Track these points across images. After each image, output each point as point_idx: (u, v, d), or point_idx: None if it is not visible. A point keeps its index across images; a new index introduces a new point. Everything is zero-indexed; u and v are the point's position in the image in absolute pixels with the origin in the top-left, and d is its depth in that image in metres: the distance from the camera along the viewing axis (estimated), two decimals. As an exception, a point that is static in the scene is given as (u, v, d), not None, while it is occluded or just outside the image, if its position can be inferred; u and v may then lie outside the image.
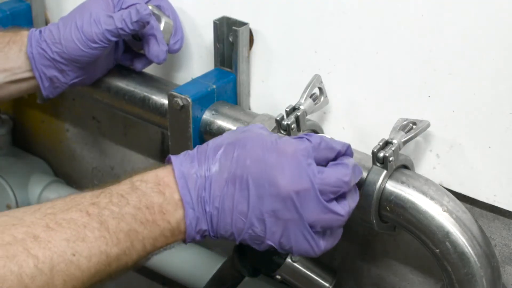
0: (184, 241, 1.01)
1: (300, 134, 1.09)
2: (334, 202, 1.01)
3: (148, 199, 0.97)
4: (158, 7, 1.32)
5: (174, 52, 1.32)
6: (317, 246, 1.03)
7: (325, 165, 1.02)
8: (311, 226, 1.00)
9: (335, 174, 1.00)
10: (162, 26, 1.29)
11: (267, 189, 0.97)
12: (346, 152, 1.04)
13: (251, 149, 0.99)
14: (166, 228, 0.98)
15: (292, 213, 0.98)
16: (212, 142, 1.02)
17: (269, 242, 1.01)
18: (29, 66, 1.30)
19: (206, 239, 1.02)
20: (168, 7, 1.33)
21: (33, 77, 1.30)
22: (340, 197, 1.02)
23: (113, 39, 1.25)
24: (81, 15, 1.26)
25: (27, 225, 0.91)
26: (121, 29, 1.24)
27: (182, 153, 1.02)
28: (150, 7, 1.28)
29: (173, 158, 1.01)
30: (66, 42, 1.26)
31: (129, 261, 0.96)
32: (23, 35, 1.30)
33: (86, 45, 1.25)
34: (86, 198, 0.97)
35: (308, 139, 1.01)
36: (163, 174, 0.99)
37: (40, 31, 1.30)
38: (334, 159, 1.03)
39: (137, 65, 1.36)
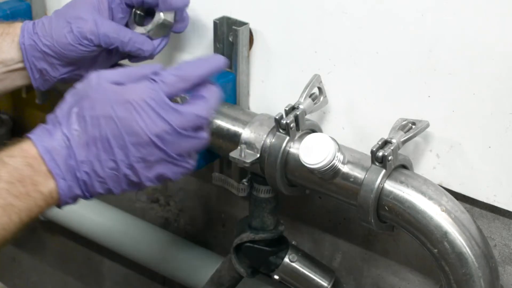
0: (59, 206, 1.04)
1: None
2: (198, 131, 1.04)
3: (19, 173, 0.99)
4: None
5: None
6: (190, 165, 1.06)
7: (188, 95, 1.05)
8: (180, 155, 1.03)
9: (193, 111, 1.02)
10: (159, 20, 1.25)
11: (128, 140, 1.00)
12: (207, 78, 1.05)
13: (100, 109, 1.00)
14: (39, 198, 1.00)
15: (158, 153, 1.02)
16: (60, 110, 1.03)
17: (148, 183, 1.04)
18: (21, 57, 1.29)
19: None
20: None
21: (25, 68, 1.30)
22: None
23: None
24: (72, 9, 1.25)
25: None
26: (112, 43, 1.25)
27: (39, 129, 1.03)
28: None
29: (30, 135, 1.02)
30: (56, 36, 1.26)
31: (8, 235, 0.99)
32: (17, 27, 1.30)
33: (75, 41, 1.25)
34: None
35: (154, 80, 1.02)
36: (27, 146, 1.01)
37: (34, 23, 1.29)
38: (198, 86, 1.05)
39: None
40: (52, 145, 1.00)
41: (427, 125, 1.13)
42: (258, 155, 1.18)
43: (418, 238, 1.08)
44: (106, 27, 1.24)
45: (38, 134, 1.02)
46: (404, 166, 1.13)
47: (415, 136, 1.12)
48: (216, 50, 1.30)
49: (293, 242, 1.32)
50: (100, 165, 1.01)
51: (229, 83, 1.29)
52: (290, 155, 1.17)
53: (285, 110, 1.16)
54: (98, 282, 1.86)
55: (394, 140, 1.09)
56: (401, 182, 1.09)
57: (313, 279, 1.28)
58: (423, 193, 1.08)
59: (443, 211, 1.07)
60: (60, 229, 1.78)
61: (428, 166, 1.17)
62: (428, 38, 1.11)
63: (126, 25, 1.29)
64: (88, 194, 1.03)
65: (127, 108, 1.00)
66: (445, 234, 1.06)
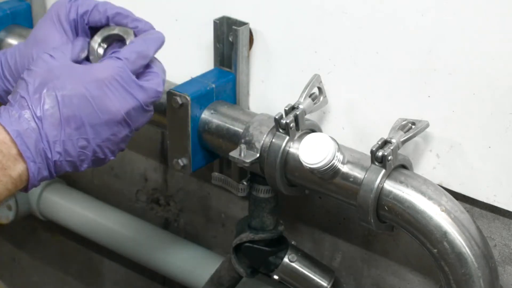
0: (26, 189, 1.05)
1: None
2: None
3: None
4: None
5: None
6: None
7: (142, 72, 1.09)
8: (137, 129, 1.09)
9: (153, 87, 1.07)
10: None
11: (102, 118, 1.03)
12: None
13: (72, 88, 1.02)
14: (8, 182, 1.01)
15: (126, 130, 1.06)
16: (25, 92, 1.03)
17: (111, 158, 1.08)
18: None
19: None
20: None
21: None
22: None
23: None
24: (32, 46, 1.19)
25: None
26: None
27: (4, 112, 1.03)
28: (116, 30, 1.14)
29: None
30: (18, 75, 1.23)
31: None
32: None
33: None
34: None
35: (118, 58, 1.05)
36: None
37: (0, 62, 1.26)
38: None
39: None
40: (22, 128, 1.01)
41: (427, 125, 1.13)
42: (258, 155, 1.18)
43: (417, 238, 1.08)
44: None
45: (5, 117, 1.02)
46: (404, 166, 1.13)
47: (415, 136, 1.12)
48: (216, 50, 1.30)
49: (292, 242, 1.32)
50: (72, 144, 1.03)
51: (229, 83, 1.29)
52: (289, 155, 1.17)
53: (285, 110, 1.16)
54: (98, 282, 1.86)
55: (394, 140, 1.09)
56: (401, 182, 1.09)
57: (313, 279, 1.28)
58: (422, 193, 1.08)
59: (442, 211, 1.07)
60: (60, 229, 1.78)
61: (428, 166, 1.17)
62: (428, 38, 1.11)
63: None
64: (55, 174, 1.05)
65: (100, 86, 1.02)
66: (444, 234, 1.06)
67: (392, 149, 1.08)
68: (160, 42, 1.10)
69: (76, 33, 1.18)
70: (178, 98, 1.23)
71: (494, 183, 1.13)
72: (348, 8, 1.17)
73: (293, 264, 1.28)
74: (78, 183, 1.77)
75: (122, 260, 1.71)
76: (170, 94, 1.23)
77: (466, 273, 1.06)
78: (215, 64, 1.31)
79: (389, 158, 1.08)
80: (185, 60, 1.38)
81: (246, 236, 1.29)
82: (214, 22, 1.28)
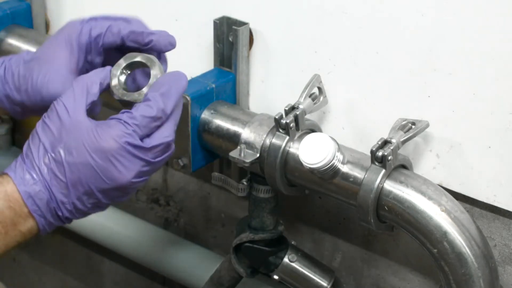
0: (37, 236, 1.06)
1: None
2: (165, 154, 1.06)
3: (0, 215, 1.01)
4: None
5: None
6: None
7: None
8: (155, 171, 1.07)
9: (162, 139, 1.03)
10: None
11: (109, 185, 1.02)
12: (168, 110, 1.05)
13: (78, 155, 1.01)
14: (18, 235, 1.03)
15: (137, 185, 1.05)
16: (35, 150, 1.03)
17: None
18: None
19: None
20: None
21: None
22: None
23: None
24: (39, 64, 1.20)
25: None
26: None
27: (19, 165, 1.03)
28: (138, 58, 1.10)
29: (12, 176, 1.03)
30: (25, 94, 1.20)
31: None
32: None
33: (40, 100, 1.20)
34: None
35: (127, 123, 1.02)
36: (11, 190, 1.02)
37: (5, 68, 1.23)
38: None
39: None
40: (34, 190, 1.02)
41: (427, 125, 1.13)
42: (258, 155, 1.18)
43: (417, 238, 1.08)
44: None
45: (18, 174, 1.02)
46: (404, 166, 1.13)
47: (415, 136, 1.12)
48: (216, 50, 1.30)
49: (292, 242, 1.32)
50: (82, 204, 1.03)
51: (229, 83, 1.29)
52: (289, 155, 1.17)
53: (285, 110, 1.16)
54: (98, 282, 1.86)
55: (394, 140, 1.09)
56: (401, 182, 1.09)
57: (313, 279, 1.28)
58: (422, 193, 1.08)
59: (442, 211, 1.07)
60: (60, 229, 1.77)
61: (428, 166, 1.17)
62: (428, 38, 1.11)
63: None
64: (68, 222, 1.06)
65: (105, 157, 1.01)
66: (444, 234, 1.06)
67: (392, 149, 1.08)
68: (181, 88, 1.06)
69: (90, 55, 1.19)
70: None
71: (494, 183, 1.13)
72: (348, 8, 1.17)
73: (293, 264, 1.28)
74: (78, 183, 1.77)
75: (122, 260, 1.71)
76: (170, 94, 1.23)
77: (466, 273, 1.06)
78: (215, 64, 1.31)
79: (389, 158, 1.08)
80: (185, 60, 1.38)
81: (246, 236, 1.29)
82: (214, 22, 1.28)
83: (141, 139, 1.02)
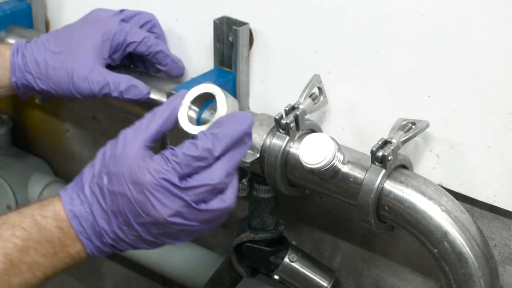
0: (87, 259, 1.05)
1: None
2: (212, 201, 1.00)
3: (49, 234, 1.01)
4: (148, 24, 1.33)
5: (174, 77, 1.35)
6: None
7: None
8: (203, 222, 1.01)
9: (206, 180, 0.99)
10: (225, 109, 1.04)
11: (146, 219, 1.00)
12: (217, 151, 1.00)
13: (117, 185, 1.00)
14: (67, 257, 1.02)
15: (179, 227, 1.00)
16: (87, 172, 1.03)
17: (175, 243, 1.04)
18: (12, 90, 1.32)
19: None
20: (157, 25, 1.35)
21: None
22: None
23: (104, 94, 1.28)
24: (73, 58, 1.27)
25: None
26: (112, 95, 1.27)
27: (72, 185, 1.04)
28: (206, 86, 1.07)
29: (62, 194, 1.03)
30: (54, 84, 1.28)
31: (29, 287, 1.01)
32: (5, 60, 1.30)
33: (76, 91, 1.28)
34: None
35: (168, 159, 0.99)
36: (59, 208, 1.02)
37: (24, 56, 1.29)
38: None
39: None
40: (79, 211, 1.01)
41: (427, 125, 1.13)
42: (258, 155, 1.18)
43: (418, 238, 1.08)
44: (116, 79, 1.27)
45: (68, 193, 1.02)
46: (404, 166, 1.13)
47: (415, 136, 1.12)
48: (216, 50, 1.30)
49: (293, 242, 1.32)
50: (124, 234, 1.01)
51: (229, 83, 1.29)
52: (290, 155, 1.17)
53: (285, 110, 1.16)
54: (98, 282, 1.86)
55: (394, 140, 1.09)
56: (401, 182, 1.09)
57: (313, 279, 1.28)
58: (423, 193, 1.08)
59: (443, 211, 1.07)
60: (60, 229, 1.78)
61: (428, 166, 1.17)
62: (428, 38, 1.11)
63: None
64: (118, 251, 1.04)
65: (141, 190, 0.98)
66: (445, 234, 1.06)
67: (392, 149, 1.08)
68: (239, 131, 1.00)
69: (115, 54, 1.27)
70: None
71: (494, 183, 1.13)
72: (348, 8, 1.17)
73: (294, 264, 1.28)
74: (78, 183, 1.77)
75: (122, 260, 1.71)
76: (170, 94, 1.23)
77: (466, 273, 1.06)
78: (215, 64, 1.31)
79: (389, 158, 1.08)
80: (185, 60, 1.38)
81: (246, 236, 1.29)
82: (214, 22, 1.28)
83: (182, 178, 0.98)
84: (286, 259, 1.28)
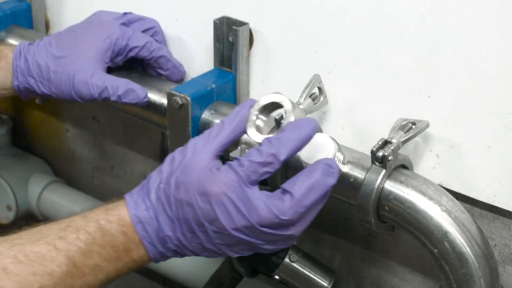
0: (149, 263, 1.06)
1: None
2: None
3: (113, 239, 1.01)
4: (150, 31, 1.34)
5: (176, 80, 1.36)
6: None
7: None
8: (266, 242, 1.02)
9: (273, 210, 0.98)
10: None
11: (209, 228, 1.00)
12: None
13: (184, 193, 1.00)
14: (129, 262, 1.03)
15: (242, 241, 1.01)
16: (154, 177, 1.03)
17: (234, 256, 1.05)
18: (14, 92, 1.34)
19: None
20: (160, 32, 1.36)
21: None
22: None
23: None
24: (75, 63, 1.28)
25: None
26: (111, 99, 1.28)
27: (137, 190, 1.04)
28: (274, 96, 1.06)
29: (128, 199, 1.03)
30: (56, 89, 1.30)
31: None
32: (8, 63, 1.32)
33: (77, 96, 1.29)
34: (52, 230, 1.01)
35: (234, 170, 0.99)
36: (124, 213, 1.03)
37: (26, 60, 1.31)
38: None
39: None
40: (144, 216, 1.02)
41: (427, 125, 1.13)
42: (258, 155, 1.18)
43: (418, 238, 1.08)
44: (115, 83, 1.28)
45: (134, 198, 1.03)
46: (404, 166, 1.13)
47: (415, 136, 1.12)
48: (216, 50, 1.30)
49: (293, 242, 1.32)
50: (187, 241, 1.02)
51: (229, 83, 1.29)
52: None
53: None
54: (98, 282, 1.86)
55: (394, 140, 1.09)
56: (401, 182, 1.09)
57: (313, 279, 1.27)
58: (423, 193, 1.08)
59: (443, 211, 1.07)
60: (60, 229, 1.78)
61: (428, 166, 1.17)
62: (428, 38, 1.11)
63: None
64: (179, 256, 1.05)
65: (207, 200, 0.99)
66: (445, 234, 1.06)
67: (392, 149, 1.08)
68: (303, 135, 1.01)
69: (117, 58, 1.29)
70: (178, 99, 1.23)
71: (494, 183, 1.13)
72: (348, 8, 1.17)
73: (294, 264, 1.28)
74: (78, 183, 1.77)
75: (122, 260, 1.71)
76: (170, 94, 1.23)
77: (466, 273, 1.06)
78: (215, 64, 1.31)
79: (390, 158, 1.08)
80: (185, 60, 1.38)
81: (246, 236, 1.29)
82: (214, 22, 1.28)
83: (250, 184, 0.99)
84: (287, 259, 1.28)
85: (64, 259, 0.98)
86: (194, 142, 1.02)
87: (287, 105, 1.04)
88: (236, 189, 0.98)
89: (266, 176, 1.00)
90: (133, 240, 1.02)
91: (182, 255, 1.04)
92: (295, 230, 1.01)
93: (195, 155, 1.01)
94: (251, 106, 1.05)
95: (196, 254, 1.04)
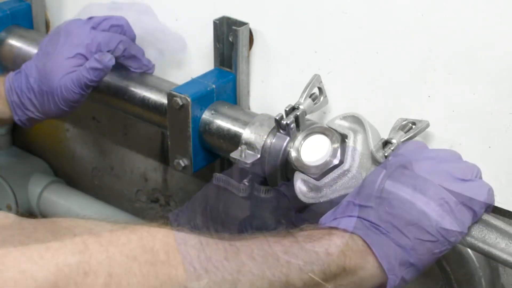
0: None
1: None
2: None
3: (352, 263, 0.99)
4: (119, 27, 1.34)
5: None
6: None
7: None
8: None
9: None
10: None
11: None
12: None
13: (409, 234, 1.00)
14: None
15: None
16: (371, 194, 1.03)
17: None
18: (10, 112, 1.35)
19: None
20: (127, 28, 1.35)
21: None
22: None
23: (91, 86, 1.30)
24: (49, 80, 1.30)
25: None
26: (93, 80, 1.29)
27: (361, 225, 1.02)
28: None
29: (370, 242, 1.00)
30: (48, 112, 1.33)
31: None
32: (2, 97, 1.34)
33: (65, 105, 1.31)
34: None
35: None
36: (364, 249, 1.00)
37: (18, 95, 1.33)
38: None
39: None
40: (388, 247, 1.00)
41: (427, 125, 1.13)
42: (259, 156, 1.18)
43: (418, 238, 1.08)
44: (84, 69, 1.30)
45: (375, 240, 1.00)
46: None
47: (415, 136, 1.12)
48: (216, 50, 1.30)
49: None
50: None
51: (229, 83, 1.29)
52: (290, 155, 1.17)
53: (285, 110, 1.16)
54: (98, 282, 1.86)
55: (394, 140, 1.09)
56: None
57: (314, 279, 1.27)
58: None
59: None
60: (60, 229, 1.78)
61: (428, 166, 1.17)
62: (428, 38, 1.11)
63: None
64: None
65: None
66: (445, 234, 1.06)
67: (392, 150, 1.08)
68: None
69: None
70: (178, 99, 1.23)
71: (494, 183, 1.13)
72: (348, 8, 1.17)
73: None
74: (78, 183, 1.77)
75: (122, 260, 1.71)
76: (171, 95, 1.23)
77: (467, 272, 1.06)
78: (215, 64, 1.32)
79: (390, 159, 1.08)
80: (185, 61, 1.38)
81: (246, 236, 1.29)
82: (214, 22, 1.28)
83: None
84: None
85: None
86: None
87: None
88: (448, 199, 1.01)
89: None
90: (373, 267, 1.00)
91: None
92: None
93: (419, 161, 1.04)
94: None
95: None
